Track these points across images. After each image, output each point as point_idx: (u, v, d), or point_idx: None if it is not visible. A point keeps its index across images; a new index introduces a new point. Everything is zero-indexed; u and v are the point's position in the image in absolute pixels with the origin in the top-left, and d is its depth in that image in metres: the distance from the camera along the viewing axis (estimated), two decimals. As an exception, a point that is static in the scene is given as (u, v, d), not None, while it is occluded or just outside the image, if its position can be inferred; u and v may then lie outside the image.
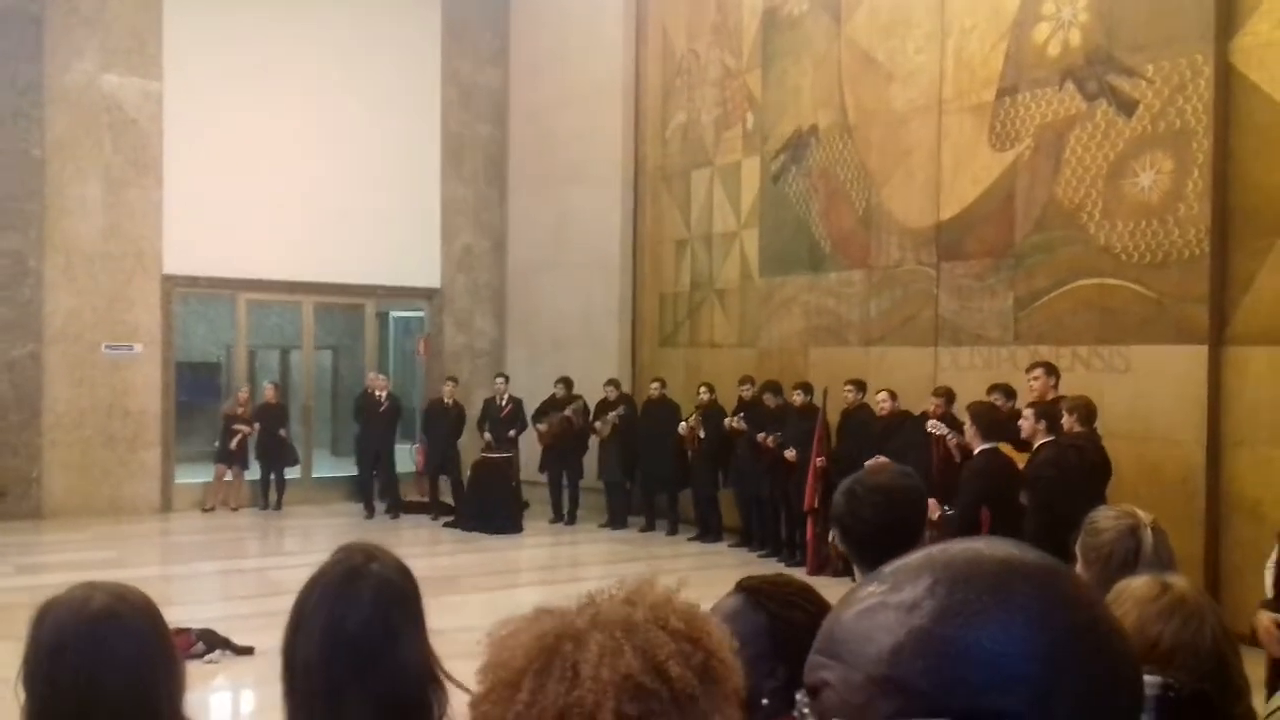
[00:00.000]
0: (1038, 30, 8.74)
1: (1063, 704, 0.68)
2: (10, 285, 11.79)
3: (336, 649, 1.65)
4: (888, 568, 0.76)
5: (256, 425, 12.82)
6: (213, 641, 6.51)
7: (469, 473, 12.25)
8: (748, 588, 1.78)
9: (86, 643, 1.64)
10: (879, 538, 2.28)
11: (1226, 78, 7.57)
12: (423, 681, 1.70)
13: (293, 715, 1.68)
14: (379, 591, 1.69)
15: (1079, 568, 2.69)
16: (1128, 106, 8.12)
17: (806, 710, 0.75)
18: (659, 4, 12.72)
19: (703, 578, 9.39)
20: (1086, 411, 6.63)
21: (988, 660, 0.68)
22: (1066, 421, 6.58)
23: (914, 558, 0.75)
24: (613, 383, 12.03)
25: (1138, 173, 8.05)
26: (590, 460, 12.10)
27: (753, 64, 11.52)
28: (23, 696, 1.66)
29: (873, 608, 0.73)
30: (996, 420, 6.91)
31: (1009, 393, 7.82)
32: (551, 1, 13.83)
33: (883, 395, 9.08)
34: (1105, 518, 2.71)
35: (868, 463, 2.72)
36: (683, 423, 11.12)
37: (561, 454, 12.08)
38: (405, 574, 1.77)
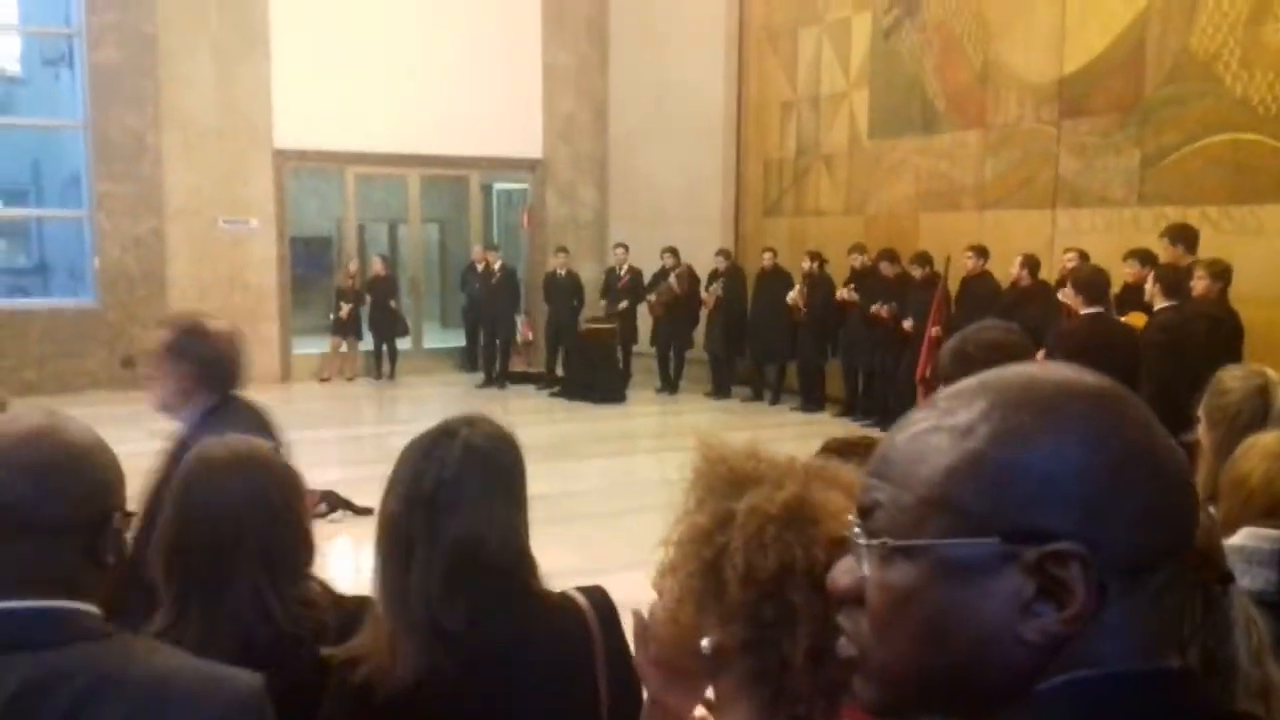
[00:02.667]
0: None
1: (1113, 525, 0.68)
2: (131, 162, 12.11)
3: (413, 503, 1.68)
4: (942, 393, 0.77)
5: (369, 298, 13.10)
6: (335, 502, 6.80)
7: (574, 343, 12.38)
8: (832, 448, 1.75)
9: (183, 486, 1.74)
10: None
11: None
12: (504, 548, 1.71)
13: (379, 569, 1.73)
14: (460, 455, 1.71)
15: (1202, 429, 2.60)
16: (1273, -56, 7.52)
17: (859, 530, 0.75)
18: None
19: (803, 446, 9.36)
20: (1224, 275, 6.31)
21: (1039, 480, 0.68)
22: (1202, 285, 6.27)
23: (969, 383, 0.75)
24: (723, 253, 11.91)
25: (1279, 18, 7.49)
26: (699, 333, 12.10)
27: (865, -88, 10.95)
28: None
29: (926, 431, 0.74)
30: (1100, 284, 6.61)
31: (1145, 259, 7.38)
32: None
33: (1019, 263, 8.64)
34: (1232, 377, 2.61)
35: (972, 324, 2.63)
36: (791, 291, 10.99)
37: (671, 324, 12.09)
38: (501, 443, 1.77)
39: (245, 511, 1.71)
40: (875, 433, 9.42)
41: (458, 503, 1.68)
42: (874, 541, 0.73)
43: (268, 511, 1.73)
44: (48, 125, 14.31)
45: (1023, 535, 0.68)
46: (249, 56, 12.46)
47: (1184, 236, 7.19)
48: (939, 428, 0.73)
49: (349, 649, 1.66)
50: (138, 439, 9.63)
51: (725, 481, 1.07)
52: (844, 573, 0.77)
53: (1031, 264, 8.62)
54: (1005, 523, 0.68)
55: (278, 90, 12.55)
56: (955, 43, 10.01)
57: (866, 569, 0.74)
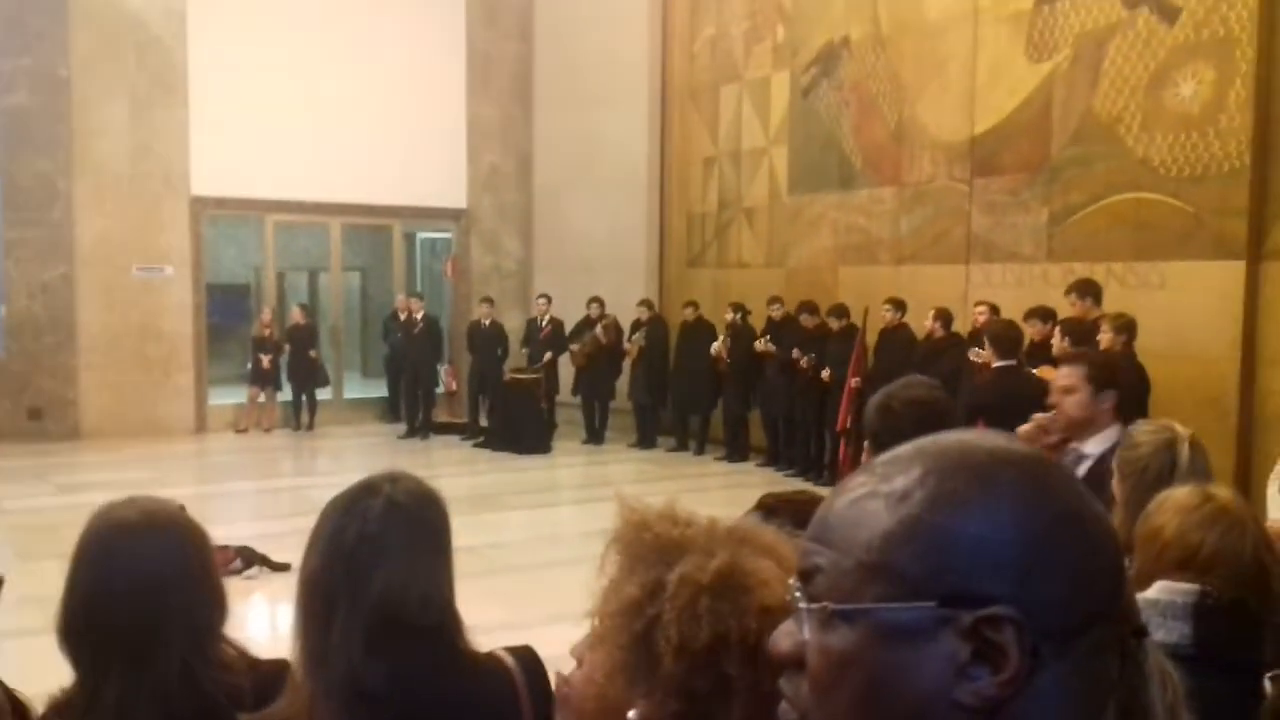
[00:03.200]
0: (1078, -65, 8.47)
1: (1046, 589, 0.70)
2: (41, 208, 11.83)
3: (334, 560, 1.65)
4: (880, 459, 0.78)
5: (288, 347, 12.92)
6: (250, 558, 6.64)
7: (498, 394, 12.32)
8: (767, 505, 1.77)
9: (100, 553, 1.63)
10: None
11: (1274, -17, 7.32)
12: (426, 605, 1.68)
13: (298, 627, 1.69)
14: (384, 509, 1.68)
15: (1115, 481, 2.67)
16: (1170, 14, 7.89)
17: (799, 594, 0.76)
18: (686, -86, 12.41)
19: (728, 496, 9.45)
20: (1128, 329, 6.54)
21: (973, 545, 0.70)
22: (1105, 338, 6.49)
23: (905, 449, 0.77)
24: (645, 303, 12.00)
25: (1178, 83, 7.85)
26: (622, 383, 12.13)
27: (783, -26, 11.25)
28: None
29: (864, 496, 0.75)
30: (1013, 338, 6.82)
31: (1045, 316, 7.66)
32: (576, -87, 13.51)
33: (930, 316, 8.85)
34: (1142, 432, 2.69)
35: (896, 380, 2.70)
36: (715, 342, 11.10)
37: (593, 375, 12.11)
38: (425, 499, 1.75)
39: (170, 575, 1.63)
40: (802, 484, 9.56)
41: (380, 559, 1.65)
42: (814, 606, 0.74)
43: (190, 574, 1.66)
44: (-46, 169, 13.88)
45: (959, 599, 0.69)
46: (166, 102, 12.29)
47: (1090, 290, 7.46)
48: (876, 493, 0.74)
49: (267, 715, 1.62)
50: (43, 493, 9.35)
51: (652, 549, 1.06)
52: (785, 636, 0.78)
53: (944, 317, 8.84)
54: (942, 587, 0.70)
55: (195, 137, 12.39)
56: (871, 102, 10.29)
57: (807, 633, 0.75)
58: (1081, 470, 3.11)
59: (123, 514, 1.68)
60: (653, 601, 1.02)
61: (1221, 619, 1.86)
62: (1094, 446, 3.16)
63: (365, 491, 1.72)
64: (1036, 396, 6.50)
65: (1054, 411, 3.34)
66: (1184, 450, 2.56)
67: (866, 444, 2.42)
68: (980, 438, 0.77)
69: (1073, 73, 8.54)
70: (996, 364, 6.49)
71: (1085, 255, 8.41)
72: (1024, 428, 3.43)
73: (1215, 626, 1.85)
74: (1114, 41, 8.24)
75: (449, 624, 1.73)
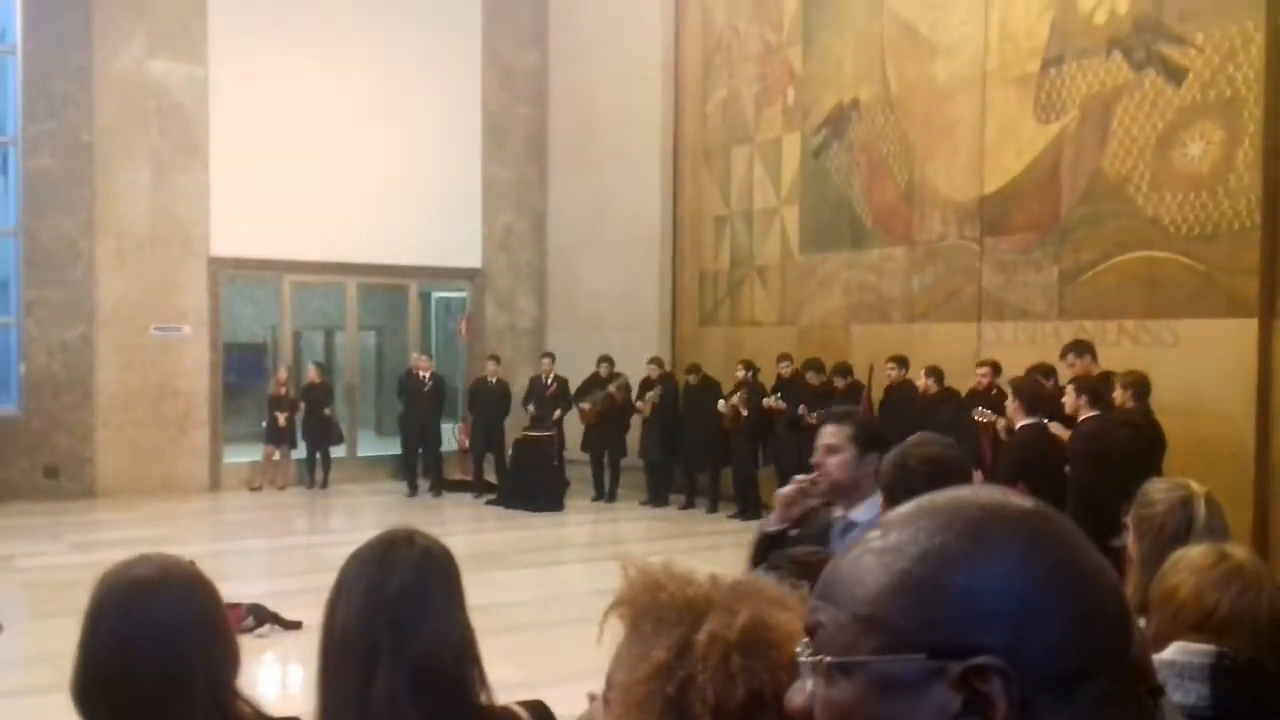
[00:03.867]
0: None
1: (1038, 639, 0.71)
2: (62, 268, 11.99)
3: (377, 610, 1.67)
4: (886, 516, 0.81)
5: (303, 405, 12.99)
6: (262, 616, 6.63)
7: (511, 451, 12.33)
8: (777, 565, 1.78)
9: (120, 610, 1.63)
10: None
11: (1278, 45, 7.41)
12: (460, 656, 1.72)
13: (328, 682, 1.69)
14: (420, 559, 1.72)
15: (1130, 539, 2.67)
16: (1177, 75, 7.98)
17: (804, 648, 0.79)
18: (698, -21, 12.65)
19: (740, 555, 9.39)
20: (1140, 386, 6.55)
21: (965, 598, 0.72)
22: (1119, 396, 6.50)
23: (907, 506, 0.80)
24: (655, 361, 12.04)
25: (1187, 143, 7.92)
26: (632, 439, 12.13)
27: (793, 38, 11.43)
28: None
29: (864, 553, 0.78)
30: (1040, 395, 6.84)
31: (1048, 373, 7.69)
32: (590, -21, 13.79)
33: (925, 374, 8.99)
34: (1158, 490, 2.68)
35: (910, 437, 2.71)
36: (721, 400, 11.12)
37: (603, 432, 12.12)
38: (445, 552, 1.80)
39: (188, 631, 1.64)
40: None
41: (422, 610, 1.68)
42: (814, 659, 0.77)
43: (207, 629, 1.67)
44: (-23, 230, 14.11)
45: (949, 651, 0.71)
46: (187, 165, 12.51)
47: (1085, 349, 7.56)
48: (874, 550, 0.77)
49: None
50: (58, 551, 9.37)
51: (671, 609, 1.05)
52: (797, 692, 0.80)
53: (936, 374, 8.95)
54: (932, 639, 0.72)
55: (215, 199, 12.58)
56: (881, 163, 10.40)
57: (811, 687, 0.78)
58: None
59: (139, 571, 1.69)
60: (682, 663, 1.02)
61: (1239, 680, 1.84)
62: (863, 513, 2.91)
63: (391, 544, 1.75)
64: (1058, 453, 6.55)
65: (816, 472, 3.07)
66: (1200, 508, 2.54)
67: (881, 500, 2.42)
68: (976, 493, 0.79)
69: (1081, 133, 8.62)
70: (1024, 421, 6.50)
71: (1097, 313, 8.43)
72: (784, 489, 3.17)
73: (1233, 688, 1.83)
74: (1121, 102, 8.33)
75: (475, 676, 1.75)
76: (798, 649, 0.80)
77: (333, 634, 1.70)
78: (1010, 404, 6.76)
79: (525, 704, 1.84)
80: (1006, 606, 0.71)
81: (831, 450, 3.01)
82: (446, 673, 1.68)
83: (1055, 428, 6.77)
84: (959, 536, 0.74)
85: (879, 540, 0.78)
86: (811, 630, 0.79)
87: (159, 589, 1.67)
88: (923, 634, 0.72)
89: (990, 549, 0.73)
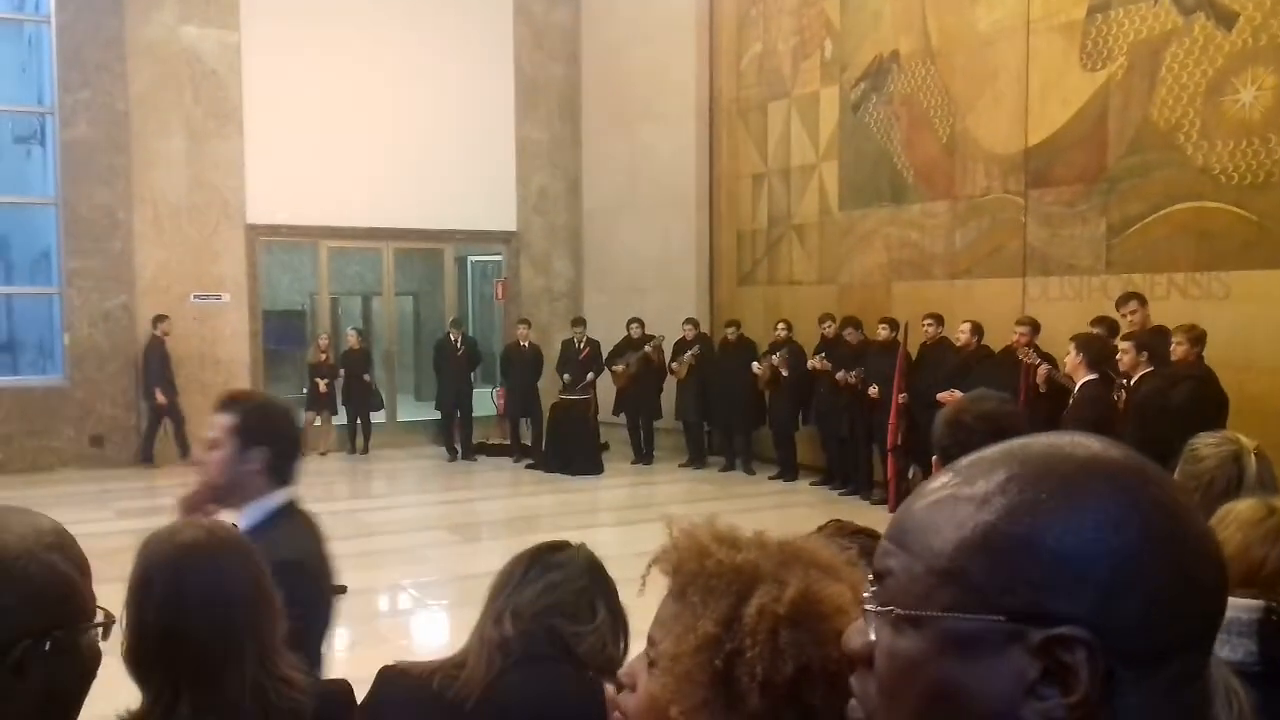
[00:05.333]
0: (1131, -58, 8.34)
1: (1126, 611, 0.66)
2: (102, 238, 12.07)
3: (550, 611, 1.98)
4: (965, 460, 0.75)
5: (343, 371, 13.05)
6: (307, 580, 6.65)
7: (547, 415, 12.33)
8: (829, 531, 1.73)
9: (171, 574, 1.64)
10: None
11: (1337, -16, 7.16)
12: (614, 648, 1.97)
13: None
14: (583, 561, 2.12)
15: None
16: (1227, 19, 7.74)
17: (869, 595, 0.75)
18: (732, -67, 12.43)
19: (781, 516, 9.39)
20: (1201, 339, 6.43)
21: (1052, 561, 0.67)
22: (1180, 350, 6.36)
23: (993, 450, 0.74)
24: (691, 322, 11.95)
25: (1238, 89, 7.70)
26: (667, 400, 12.08)
27: (830, -10, 11.21)
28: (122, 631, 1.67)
29: (944, 500, 0.72)
30: (1103, 350, 6.69)
31: (1113, 328, 7.51)
32: (622, -65, 13.59)
33: (964, 327, 8.86)
34: (1206, 445, 2.62)
35: (963, 393, 2.64)
36: (755, 363, 11.03)
37: (638, 395, 12.08)
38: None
39: (237, 593, 1.65)
40: (857, 502, 9.44)
41: (590, 612, 2.00)
42: (883, 609, 0.73)
43: (255, 591, 1.68)
44: (17, 202, 14.24)
45: (1030, 616, 0.67)
46: (222, 132, 12.51)
47: (1139, 298, 7.38)
48: (956, 497, 0.72)
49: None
50: (105, 518, 9.51)
51: (720, 578, 1.04)
52: (856, 634, 0.77)
53: (978, 329, 8.80)
54: (1013, 601, 0.67)
55: (250, 165, 12.60)
56: (922, 116, 10.20)
57: (874, 634, 0.74)
58: None
59: (187, 535, 1.70)
60: (730, 636, 1.01)
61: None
62: (247, 518, 2.44)
63: (552, 546, 2.12)
64: (1119, 411, 6.43)
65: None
66: (1250, 462, 2.49)
67: (935, 458, 2.36)
68: (1074, 443, 0.72)
69: (1128, 81, 8.40)
70: (1088, 377, 6.37)
71: (1145, 266, 8.25)
72: (183, 494, 2.61)
73: None
74: (1170, 49, 8.09)
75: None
76: (865, 594, 0.76)
77: (500, 627, 1.96)
78: (1072, 359, 6.61)
79: None
80: (1097, 573, 0.66)
81: (213, 444, 2.49)
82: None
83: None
84: (1052, 492, 0.68)
85: (963, 486, 0.72)
86: (880, 576, 0.75)
87: (207, 552, 1.68)
88: (1005, 595, 0.67)
89: (1085, 509, 0.68)
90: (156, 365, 11.84)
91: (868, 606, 0.75)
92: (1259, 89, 7.57)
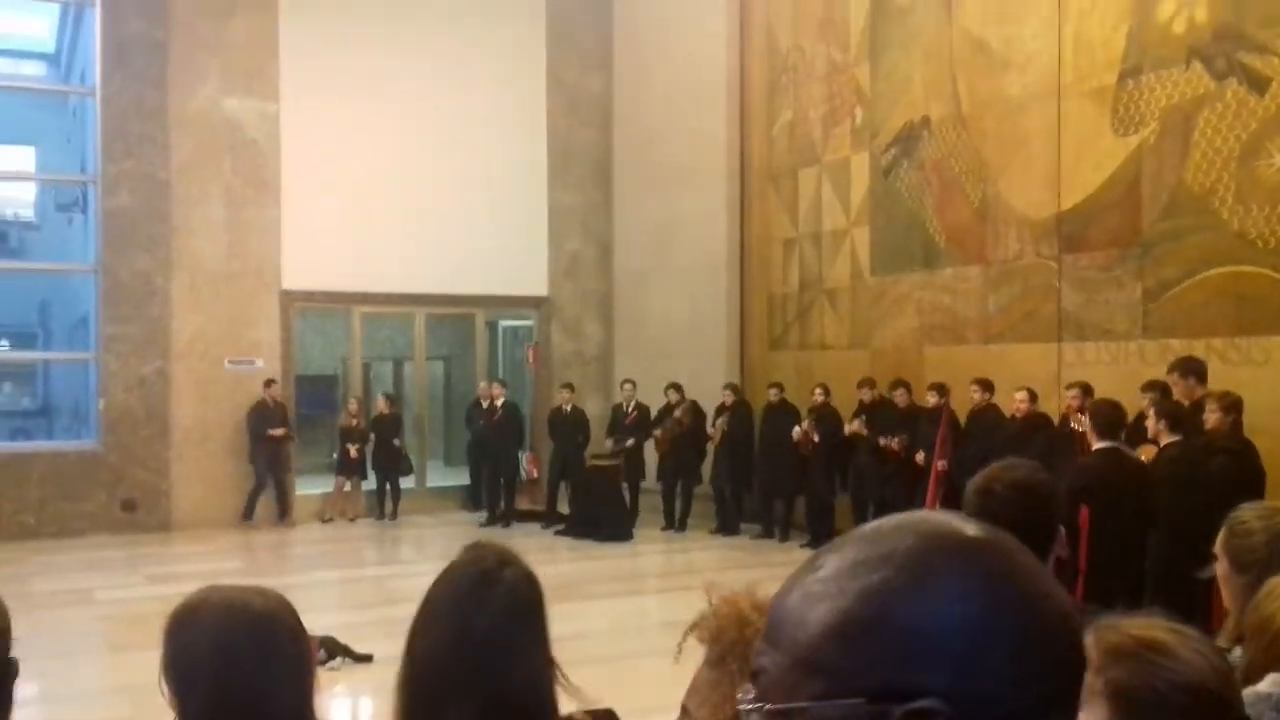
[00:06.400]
0: (1161, 8, 8.37)
1: (983, 681, 0.68)
2: (140, 304, 12.24)
3: (461, 650, 1.68)
4: (825, 548, 0.77)
5: (373, 436, 13.08)
6: (333, 649, 6.59)
7: (580, 480, 12.27)
8: None
9: (250, 640, 1.63)
10: (1018, 537, 2.13)
11: (1371, 48, 7.12)
12: (537, 692, 1.72)
13: (403, 703, 1.71)
14: (509, 601, 1.73)
15: (1221, 569, 2.51)
16: (1259, 84, 7.72)
17: (745, 694, 0.75)
18: (763, 2, 12.59)
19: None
20: (1237, 408, 6.25)
21: (906, 637, 0.68)
22: (1213, 418, 6.20)
23: (847, 536, 0.76)
24: (730, 387, 11.91)
25: (1272, 153, 7.65)
26: (707, 467, 12.00)
27: (860, 57, 11.30)
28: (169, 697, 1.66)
29: (804, 591, 0.74)
30: (1117, 419, 6.55)
31: (1165, 390, 7.31)
32: (654, 5, 13.81)
33: (1021, 395, 8.63)
34: (1252, 517, 2.53)
35: (996, 462, 2.57)
36: (796, 427, 10.95)
37: (677, 460, 12.00)
38: (534, 582, 1.80)
39: (293, 662, 1.66)
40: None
41: (505, 655, 1.69)
42: (753, 706, 0.74)
43: (304, 660, 1.69)
44: (59, 269, 14.51)
45: (889, 694, 0.68)
46: (260, 200, 12.72)
47: (1194, 369, 7.14)
48: (813, 587, 0.74)
49: None
50: (135, 583, 9.46)
51: None
52: None
53: (1032, 395, 8.62)
54: (872, 681, 0.68)
55: (287, 233, 12.78)
56: (954, 181, 10.20)
57: None
58: None
59: (255, 602, 1.69)
60: None
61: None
62: None
63: (485, 578, 1.74)
64: (1137, 479, 6.28)
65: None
66: None
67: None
68: (923, 522, 0.75)
69: (1161, 146, 8.36)
70: (1097, 445, 6.25)
71: (1183, 331, 8.13)
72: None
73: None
74: (1203, 113, 8.07)
75: (552, 710, 1.76)
76: (739, 695, 0.76)
77: (414, 660, 1.72)
78: (1087, 426, 6.50)
79: (594, 713, 1.85)
80: (948, 645, 0.68)
81: None
82: (522, 710, 1.69)
83: (1144, 450, 6.49)
84: (899, 570, 0.70)
85: (821, 576, 0.74)
86: (755, 675, 0.75)
87: (264, 617, 1.67)
88: (863, 677, 0.69)
89: (931, 584, 0.69)
90: (257, 425, 12.31)
91: (741, 706, 0.75)
92: (1294, 153, 7.50)
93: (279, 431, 12.32)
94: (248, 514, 12.38)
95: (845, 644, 0.70)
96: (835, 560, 0.74)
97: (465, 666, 1.67)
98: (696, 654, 1.08)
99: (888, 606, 0.69)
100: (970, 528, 0.74)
